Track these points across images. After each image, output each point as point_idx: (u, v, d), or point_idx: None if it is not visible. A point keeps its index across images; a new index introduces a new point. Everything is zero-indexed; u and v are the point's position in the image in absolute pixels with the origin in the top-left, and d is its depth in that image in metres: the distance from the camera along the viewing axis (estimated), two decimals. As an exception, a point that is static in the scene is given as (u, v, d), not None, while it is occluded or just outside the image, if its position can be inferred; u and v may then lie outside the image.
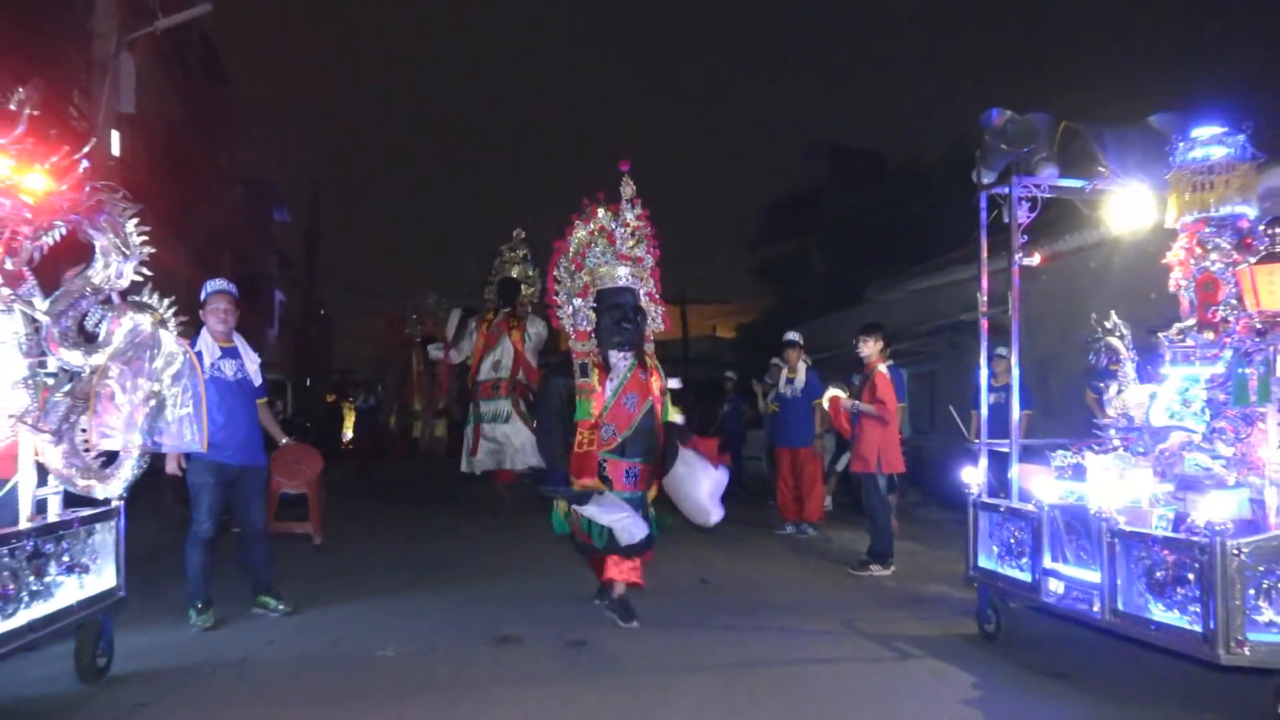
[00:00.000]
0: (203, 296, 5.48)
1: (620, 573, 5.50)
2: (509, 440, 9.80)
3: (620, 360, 5.66)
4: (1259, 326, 3.78)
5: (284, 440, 5.99)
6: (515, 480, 10.16)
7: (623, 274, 5.75)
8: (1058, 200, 5.51)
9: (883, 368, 7.54)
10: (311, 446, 6.23)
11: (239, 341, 5.52)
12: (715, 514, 5.85)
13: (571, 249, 5.86)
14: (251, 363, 5.52)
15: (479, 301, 11.01)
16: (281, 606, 5.49)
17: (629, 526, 5.33)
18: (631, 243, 5.80)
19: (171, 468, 5.13)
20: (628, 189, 5.81)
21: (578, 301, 5.81)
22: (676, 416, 6.02)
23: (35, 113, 3.96)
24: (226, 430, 5.25)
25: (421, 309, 14.68)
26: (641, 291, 5.86)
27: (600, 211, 5.83)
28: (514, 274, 10.49)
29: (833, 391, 7.76)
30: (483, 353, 10.08)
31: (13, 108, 3.91)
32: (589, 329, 5.75)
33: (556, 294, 5.89)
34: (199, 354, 5.09)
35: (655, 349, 6.12)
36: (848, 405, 7.57)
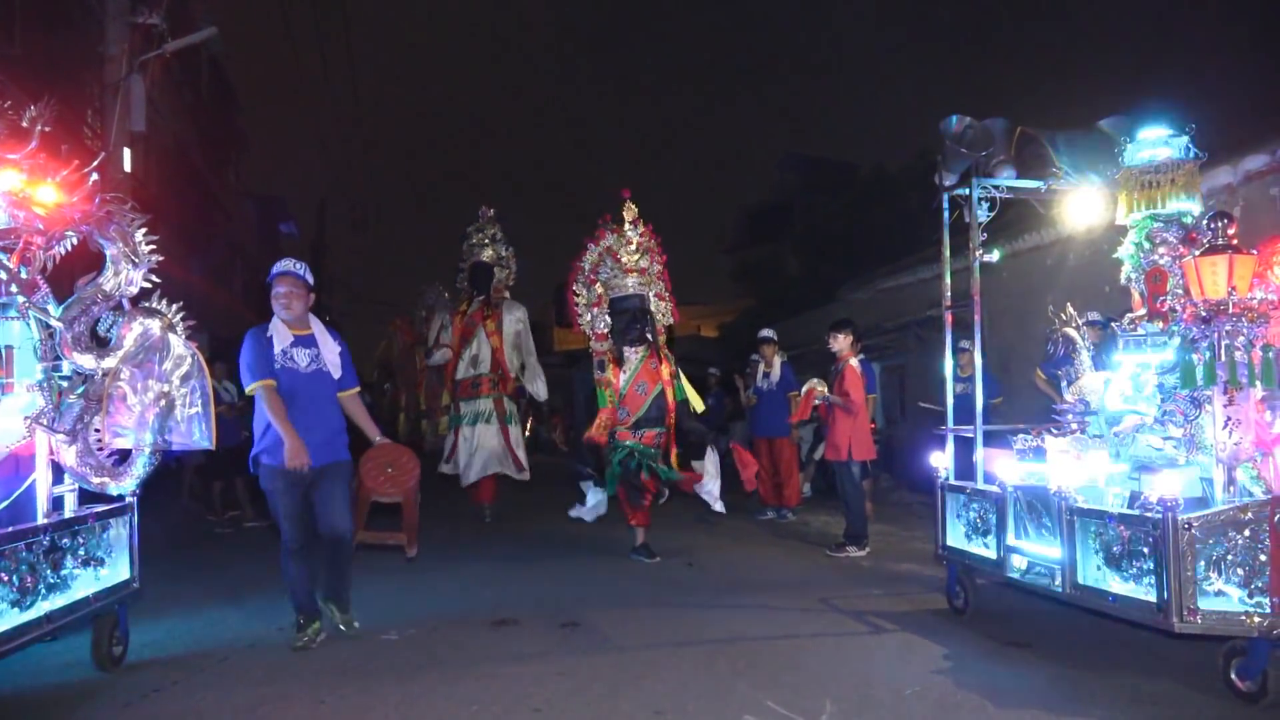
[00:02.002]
0: (269, 279, 4.65)
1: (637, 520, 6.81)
2: (481, 443, 8.59)
3: (631, 354, 6.60)
4: (1203, 314, 3.78)
5: (377, 438, 4.90)
6: (495, 496, 9.08)
7: (630, 283, 6.61)
8: (1015, 201, 5.52)
9: (853, 362, 7.53)
10: (408, 448, 4.99)
11: (318, 328, 4.63)
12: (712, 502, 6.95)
13: (586, 267, 6.71)
14: (331, 352, 4.59)
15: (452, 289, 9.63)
16: (346, 621, 4.66)
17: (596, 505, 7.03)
18: (636, 256, 6.61)
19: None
20: (629, 213, 6.67)
21: (595, 311, 6.74)
22: (697, 402, 7.11)
23: (47, 129, 3.91)
24: (297, 427, 4.40)
25: (426, 305, 13.76)
26: (650, 294, 6.71)
27: (607, 234, 6.66)
28: (485, 257, 9.00)
29: (811, 382, 7.72)
30: (459, 347, 8.77)
31: (25, 125, 3.87)
32: (606, 330, 6.67)
33: (577, 306, 6.80)
34: (270, 339, 4.44)
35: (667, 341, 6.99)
36: (820, 396, 7.55)
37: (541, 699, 3.68)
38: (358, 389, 4.76)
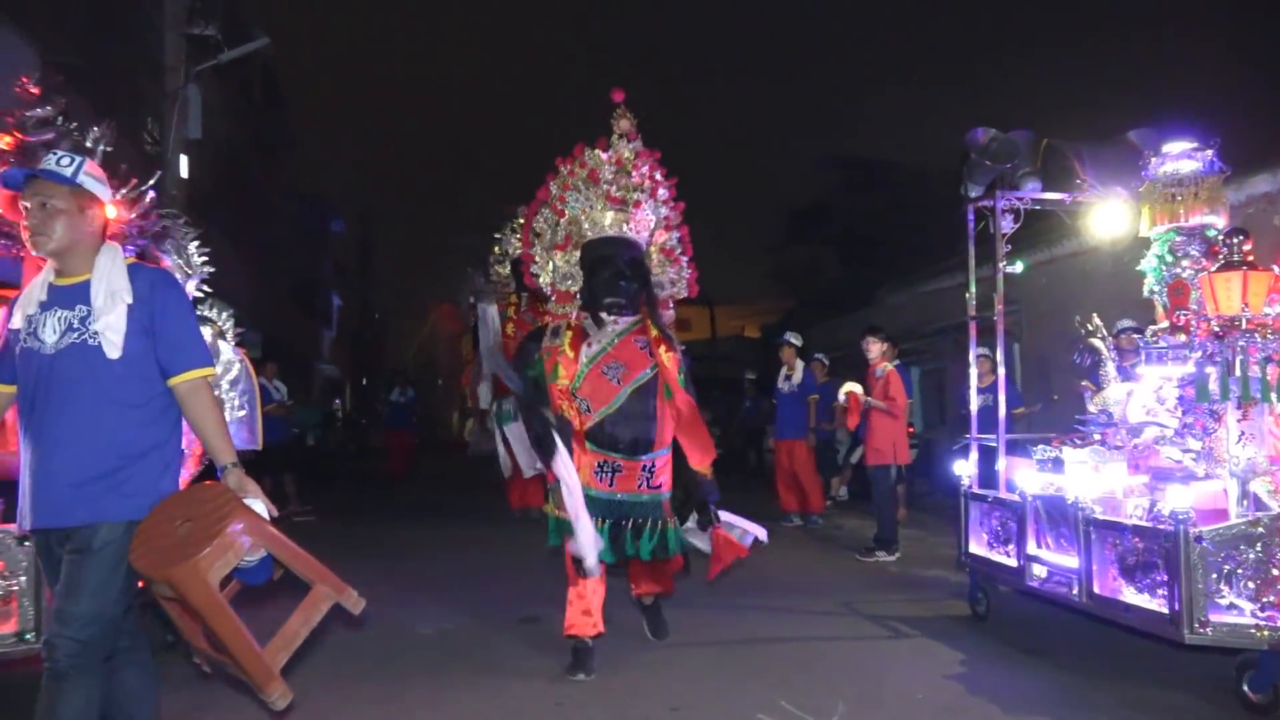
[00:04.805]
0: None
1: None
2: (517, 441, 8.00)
3: (611, 325, 4.36)
4: (1217, 330, 3.82)
5: (225, 468, 2.65)
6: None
7: (611, 220, 4.43)
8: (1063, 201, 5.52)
9: (890, 366, 7.60)
10: (225, 489, 2.59)
11: (108, 271, 2.58)
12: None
13: (553, 193, 4.53)
14: (113, 311, 2.52)
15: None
16: None
17: (581, 541, 4.01)
18: (629, 182, 4.46)
19: None
20: (623, 122, 4.53)
21: (558, 257, 4.55)
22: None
23: (109, 149, 4.18)
24: (27, 454, 2.57)
25: (475, 292, 12.73)
26: (651, 246, 4.62)
27: (587, 151, 4.48)
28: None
29: (850, 386, 7.72)
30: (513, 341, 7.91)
31: (89, 145, 4.14)
32: (574, 289, 4.51)
33: (533, 248, 4.61)
34: (14, 304, 2.70)
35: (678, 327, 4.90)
36: (864, 401, 7.57)
37: (562, 694, 3.87)
38: (201, 372, 2.65)
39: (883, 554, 7.17)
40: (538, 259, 4.60)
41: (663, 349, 4.35)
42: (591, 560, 4.03)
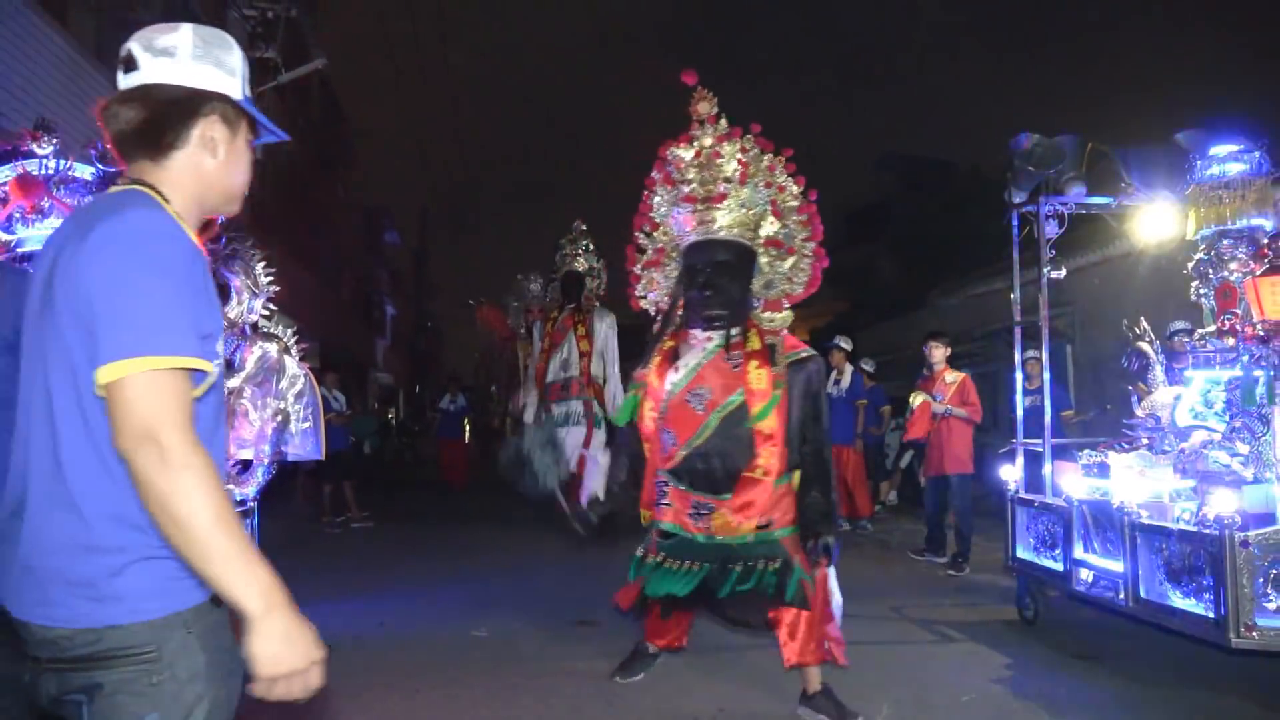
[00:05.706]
0: None
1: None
2: (570, 445, 7.91)
3: (701, 343, 3.82)
4: (1262, 334, 3.83)
5: None
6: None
7: (694, 222, 3.85)
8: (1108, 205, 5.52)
9: (956, 374, 7.56)
10: None
11: None
12: None
13: (655, 204, 4.11)
14: None
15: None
16: None
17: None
18: (714, 174, 3.79)
19: None
20: (700, 106, 3.83)
21: (653, 274, 4.17)
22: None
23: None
24: None
25: (525, 296, 11.99)
26: (754, 240, 3.88)
27: (670, 149, 3.92)
28: (577, 267, 8.76)
29: (922, 396, 7.59)
30: (549, 352, 8.50)
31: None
32: (663, 303, 4.16)
33: (636, 269, 4.24)
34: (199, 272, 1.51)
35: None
36: (940, 410, 7.45)
37: (614, 694, 4.02)
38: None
39: (966, 567, 7.05)
40: (641, 277, 4.21)
41: (753, 365, 3.68)
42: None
